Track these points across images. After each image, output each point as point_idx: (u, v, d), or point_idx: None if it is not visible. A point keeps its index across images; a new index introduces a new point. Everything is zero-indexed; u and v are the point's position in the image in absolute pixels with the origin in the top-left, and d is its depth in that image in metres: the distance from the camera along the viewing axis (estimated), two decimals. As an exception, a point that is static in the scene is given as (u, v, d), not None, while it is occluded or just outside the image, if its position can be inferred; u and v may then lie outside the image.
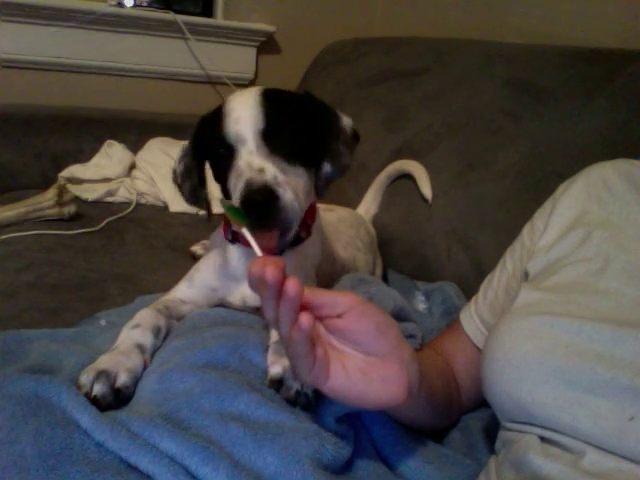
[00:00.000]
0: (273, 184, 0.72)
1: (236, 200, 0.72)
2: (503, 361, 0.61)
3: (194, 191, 0.87)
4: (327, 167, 0.84)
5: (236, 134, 0.77)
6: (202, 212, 1.55)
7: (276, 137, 0.77)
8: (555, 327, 0.59)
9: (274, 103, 0.79)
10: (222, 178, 0.81)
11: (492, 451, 0.68)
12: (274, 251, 0.74)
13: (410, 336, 0.86)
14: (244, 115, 0.77)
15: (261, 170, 0.73)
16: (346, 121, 0.88)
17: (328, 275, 0.98)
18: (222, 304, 0.92)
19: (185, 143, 0.88)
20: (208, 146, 0.82)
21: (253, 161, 0.74)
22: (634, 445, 0.50)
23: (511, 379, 0.60)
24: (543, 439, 0.57)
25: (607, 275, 0.61)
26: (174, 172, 0.89)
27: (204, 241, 1.32)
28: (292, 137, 0.79)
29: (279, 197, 0.72)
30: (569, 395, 0.55)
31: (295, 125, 0.79)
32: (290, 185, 0.75)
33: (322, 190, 0.85)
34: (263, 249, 0.64)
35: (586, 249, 0.65)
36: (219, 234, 0.94)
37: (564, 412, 0.55)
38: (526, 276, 0.72)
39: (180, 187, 0.88)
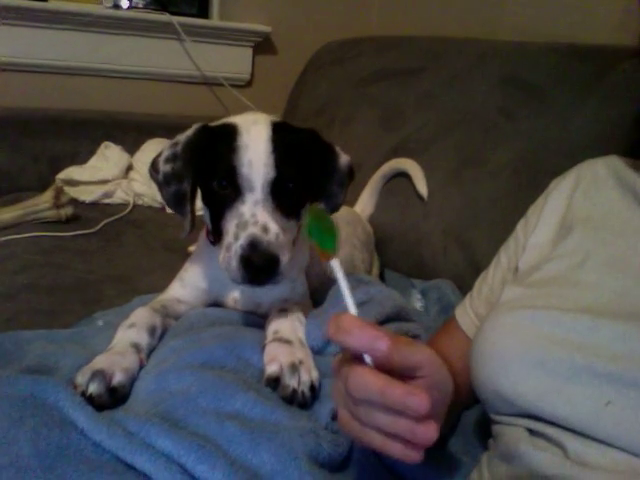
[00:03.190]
0: (275, 247, 0.73)
1: (235, 250, 0.73)
2: (487, 356, 0.63)
3: (179, 199, 0.81)
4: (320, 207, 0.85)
5: (247, 178, 0.75)
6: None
7: (282, 190, 0.77)
8: (536, 320, 0.60)
9: (285, 149, 0.77)
10: (214, 207, 0.80)
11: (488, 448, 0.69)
12: None
13: (414, 336, 0.86)
14: (257, 160, 0.75)
15: (265, 228, 0.73)
16: (343, 159, 0.87)
17: (323, 276, 0.98)
18: (217, 304, 0.92)
19: (175, 141, 0.82)
20: (207, 169, 0.79)
21: (258, 214, 0.74)
22: (611, 429, 0.52)
23: (495, 373, 0.61)
24: (531, 432, 0.58)
25: (587, 268, 0.63)
26: (154, 167, 0.83)
27: (201, 242, 1.32)
28: (295, 190, 0.79)
29: (279, 261, 0.73)
30: (548, 385, 0.56)
31: (300, 175, 0.79)
32: (286, 243, 0.75)
33: None
34: None
35: (568, 244, 0.67)
36: (204, 234, 0.93)
37: (544, 402, 0.56)
38: (516, 271, 0.73)
39: (160, 187, 0.83)
